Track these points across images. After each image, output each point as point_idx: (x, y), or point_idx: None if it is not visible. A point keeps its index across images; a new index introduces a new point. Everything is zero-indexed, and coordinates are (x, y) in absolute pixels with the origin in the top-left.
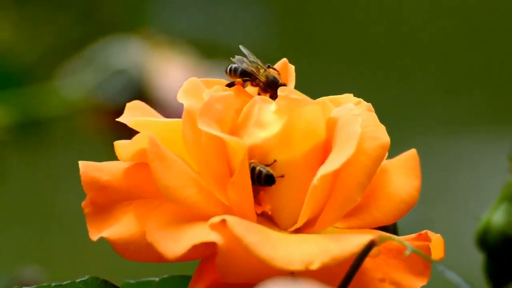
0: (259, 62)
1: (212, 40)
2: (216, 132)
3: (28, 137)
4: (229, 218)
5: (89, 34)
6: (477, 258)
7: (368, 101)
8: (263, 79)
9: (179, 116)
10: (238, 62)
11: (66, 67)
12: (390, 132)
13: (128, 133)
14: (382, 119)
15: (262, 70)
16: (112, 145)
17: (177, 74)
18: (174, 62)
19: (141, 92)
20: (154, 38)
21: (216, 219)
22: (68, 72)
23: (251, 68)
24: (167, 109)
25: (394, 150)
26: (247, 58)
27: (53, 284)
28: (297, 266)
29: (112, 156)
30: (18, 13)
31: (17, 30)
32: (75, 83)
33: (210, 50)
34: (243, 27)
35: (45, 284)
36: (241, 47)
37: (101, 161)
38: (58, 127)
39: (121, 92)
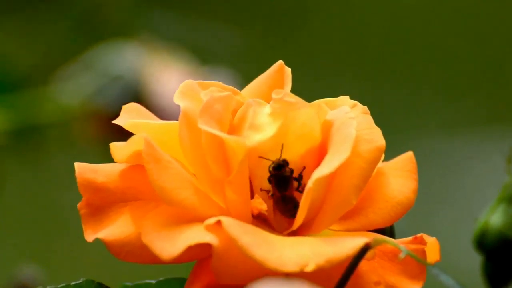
0: None
1: (208, 46)
2: (217, 132)
3: (25, 143)
4: (224, 219)
5: (86, 40)
6: (478, 260)
7: (368, 104)
8: None
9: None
10: None
11: (63, 73)
12: (389, 135)
13: (125, 138)
14: (381, 122)
15: None
16: (109, 151)
17: (174, 80)
18: (171, 68)
19: (138, 98)
20: (151, 44)
21: (211, 220)
22: (65, 77)
23: None
24: (164, 114)
25: (394, 153)
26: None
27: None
28: (292, 268)
29: (109, 162)
30: (15, 19)
31: (14, 35)
32: (72, 89)
33: (207, 56)
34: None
35: (40, 287)
36: None
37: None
38: (54, 132)
39: (118, 98)
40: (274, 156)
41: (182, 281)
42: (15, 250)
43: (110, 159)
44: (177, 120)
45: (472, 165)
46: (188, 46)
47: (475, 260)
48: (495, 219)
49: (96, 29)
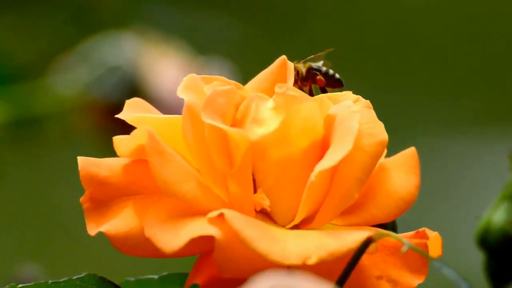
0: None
1: (206, 37)
2: (220, 125)
3: (22, 135)
4: (227, 212)
5: (82, 31)
6: (477, 258)
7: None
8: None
9: (173, 112)
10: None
11: (60, 64)
12: (390, 133)
13: (123, 129)
14: (382, 120)
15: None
16: (107, 142)
17: (170, 70)
18: (167, 58)
19: (135, 88)
20: (148, 34)
21: (214, 213)
22: (62, 69)
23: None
24: (161, 105)
25: (395, 151)
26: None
27: (50, 282)
28: (294, 260)
29: (107, 153)
30: (12, 11)
31: (10, 27)
32: (69, 80)
33: (204, 47)
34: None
35: (42, 281)
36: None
37: (95, 157)
38: (52, 124)
39: (115, 89)
40: (277, 150)
41: (185, 276)
42: (14, 248)
43: (107, 151)
44: (175, 110)
45: (472, 163)
46: (186, 37)
47: (475, 257)
48: (497, 216)
49: (92, 20)
